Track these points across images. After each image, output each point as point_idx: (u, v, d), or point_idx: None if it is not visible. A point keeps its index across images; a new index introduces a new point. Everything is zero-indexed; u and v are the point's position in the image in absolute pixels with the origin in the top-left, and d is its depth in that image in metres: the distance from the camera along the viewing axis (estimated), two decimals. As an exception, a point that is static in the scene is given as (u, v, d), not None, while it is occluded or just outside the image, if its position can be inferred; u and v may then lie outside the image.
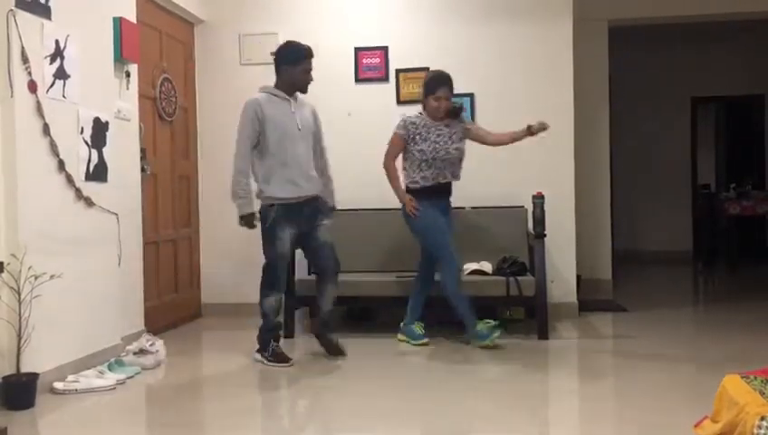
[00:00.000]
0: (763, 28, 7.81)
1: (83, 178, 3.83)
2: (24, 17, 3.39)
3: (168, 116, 5.13)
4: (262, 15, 5.57)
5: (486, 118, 5.10)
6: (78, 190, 3.78)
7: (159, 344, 4.06)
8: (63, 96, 3.67)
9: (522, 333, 4.72)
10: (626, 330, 4.97)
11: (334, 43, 5.42)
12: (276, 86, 4.08)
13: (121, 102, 4.32)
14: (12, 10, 3.31)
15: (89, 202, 3.87)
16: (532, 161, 5.23)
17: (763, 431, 2.17)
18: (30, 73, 3.42)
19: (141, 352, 3.95)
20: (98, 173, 3.96)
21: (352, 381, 3.76)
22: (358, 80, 5.48)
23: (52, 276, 3.38)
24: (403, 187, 4.41)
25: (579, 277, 5.51)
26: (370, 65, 5.47)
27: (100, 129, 3.99)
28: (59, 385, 3.47)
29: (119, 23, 4.20)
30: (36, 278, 3.30)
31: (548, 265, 4.71)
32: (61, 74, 3.65)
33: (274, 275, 4.03)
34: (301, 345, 4.56)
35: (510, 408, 3.26)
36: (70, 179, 3.72)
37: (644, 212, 9.10)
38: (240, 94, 5.44)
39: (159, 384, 3.83)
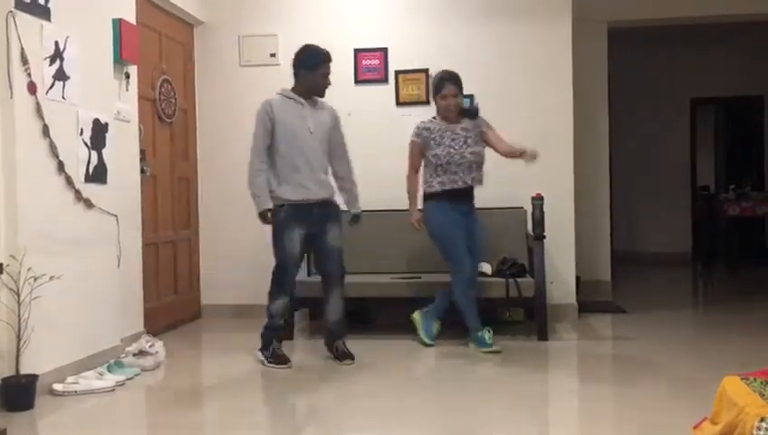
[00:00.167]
0: (762, 30, 7.82)
1: (83, 180, 3.83)
2: (24, 18, 3.39)
3: (168, 117, 5.13)
4: (261, 17, 5.57)
5: (486, 118, 5.06)
6: (77, 192, 3.78)
7: (159, 346, 4.06)
8: (63, 97, 3.67)
9: (521, 334, 4.72)
10: (625, 331, 4.97)
11: (334, 45, 5.37)
12: (294, 89, 4.08)
13: (121, 104, 4.32)
14: (11, 11, 3.31)
15: (88, 203, 3.87)
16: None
17: (762, 433, 2.17)
18: (29, 75, 3.42)
19: (141, 353, 3.95)
20: (97, 174, 3.96)
21: (352, 382, 3.76)
22: (357, 81, 5.49)
23: (51, 278, 3.38)
24: (421, 192, 4.37)
25: (578, 279, 5.51)
26: (370, 66, 5.48)
27: (99, 130, 3.99)
28: (58, 387, 3.46)
29: (118, 24, 4.21)
30: (36, 279, 3.30)
31: (547, 266, 4.71)
32: (60, 76, 3.65)
33: (284, 276, 4.02)
34: (300, 347, 4.57)
35: (510, 408, 3.26)
36: (69, 181, 3.72)
37: (643, 213, 9.09)
38: (240, 96, 5.53)
39: (159, 386, 3.83)
